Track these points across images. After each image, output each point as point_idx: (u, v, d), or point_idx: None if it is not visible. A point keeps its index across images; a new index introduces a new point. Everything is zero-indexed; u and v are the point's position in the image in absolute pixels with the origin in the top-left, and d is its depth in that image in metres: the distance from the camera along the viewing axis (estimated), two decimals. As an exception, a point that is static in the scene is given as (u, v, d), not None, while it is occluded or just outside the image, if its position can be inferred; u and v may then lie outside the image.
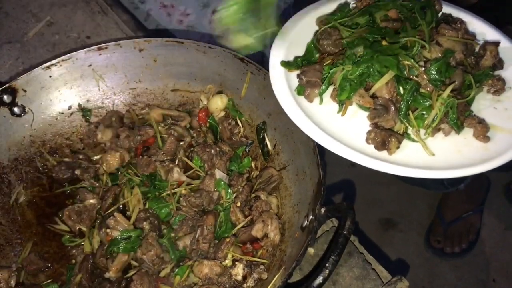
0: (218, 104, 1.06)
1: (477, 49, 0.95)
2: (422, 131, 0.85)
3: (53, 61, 1.04)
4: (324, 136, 0.82)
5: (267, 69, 0.93)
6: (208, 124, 1.06)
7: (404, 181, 1.93)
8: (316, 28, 0.99)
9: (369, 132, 0.84)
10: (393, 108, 0.84)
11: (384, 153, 0.82)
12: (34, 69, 1.03)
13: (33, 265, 0.93)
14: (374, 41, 0.88)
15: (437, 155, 0.83)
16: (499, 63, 0.94)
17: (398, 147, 0.83)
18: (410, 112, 0.85)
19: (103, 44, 1.06)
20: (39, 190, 1.03)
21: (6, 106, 1.01)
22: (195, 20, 1.52)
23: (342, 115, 0.88)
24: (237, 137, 1.04)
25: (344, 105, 0.88)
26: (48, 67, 1.04)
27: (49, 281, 0.92)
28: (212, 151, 0.98)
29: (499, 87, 0.90)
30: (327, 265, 0.68)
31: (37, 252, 0.95)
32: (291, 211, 0.91)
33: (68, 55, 1.05)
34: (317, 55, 0.94)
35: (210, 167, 0.97)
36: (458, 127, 0.85)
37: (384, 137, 0.82)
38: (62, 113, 1.09)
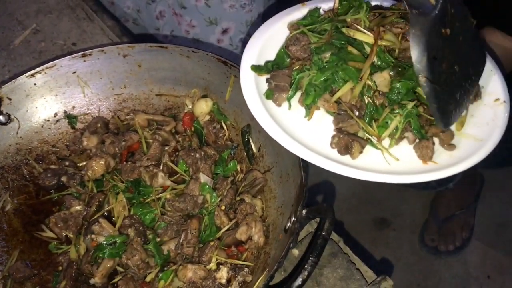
0: (203, 108, 1.06)
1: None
2: (387, 139, 0.86)
3: (38, 69, 1.05)
4: (288, 139, 0.83)
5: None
6: (193, 128, 1.06)
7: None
8: (288, 33, 1.00)
9: (333, 137, 0.85)
10: (357, 113, 0.85)
11: (348, 158, 0.83)
12: (19, 77, 1.03)
13: (19, 273, 0.93)
14: (341, 47, 0.89)
15: (402, 160, 0.84)
16: None
17: (361, 152, 0.83)
18: (373, 121, 0.86)
19: (87, 51, 1.06)
20: (26, 197, 1.03)
21: (-9, 114, 1.02)
22: (200, 34, 1.53)
23: (308, 119, 0.88)
24: (222, 141, 1.05)
25: (310, 110, 0.89)
26: (32, 74, 1.04)
27: (35, 288, 0.93)
28: (197, 155, 0.98)
29: (474, 92, 0.89)
30: (306, 266, 0.68)
31: (23, 260, 0.95)
32: (275, 213, 0.91)
33: (53, 62, 1.05)
34: (288, 60, 0.96)
35: (195, 171, 0.97)
36: (422, 136, 0.85)
37: (347, 142, 0.83)
38: (48, 120, 1.09)
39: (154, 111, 1.11)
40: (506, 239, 2.10)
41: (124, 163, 1.00)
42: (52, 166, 1.06)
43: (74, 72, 1.08)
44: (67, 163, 1.06)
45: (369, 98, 0.86)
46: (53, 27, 1.32)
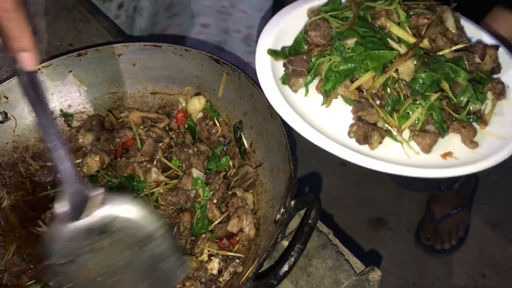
0: (196, 105, 1.08)
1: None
2: (407, 131, 0.85)
3: (34, 68, 1.07)
4: (304, 126, 0.82)
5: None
6: (186, 125, 1.08)
7: (398, 184, 1.95)
8: (307, 19, 0.99)
9: (351, 125, 0.83)
10: (378, 102, 0.84)
11: (366, 148, 0.82)
12: (15, 76, 1.05)
13: (16, 267, 0.95)
14: (364, 35, 0.88)
15: (421, 154, 0.83)
16: (497, 68, 0.94)
17: (380, 142, 0.82)
18: (394, 112, 0.84)
19: (82, 51, 1.09)
20: (22, 194, 1.05)
21: (-11, 113, 1.04)
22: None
23: (327, 106, 0.87)
24: (215, 137, 1.07)
25: (329, 97, 0.88)
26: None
27: (32, 282, 0.94)
28: (190, 151, 1.00)
29: (498, 90, 0.89)
30: (292, 253, 0.70)
31: (20, 254, 0.97)
32: (266, 206, 0.93)
33: (49, 62, 1.08)
34: (306, 47, 0.94)
35: (187, 166, 0.99)
36: (443, 130, 0.84)
37: (366, 131, 0.82)
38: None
39: (149, 109, 1.13)
40: (500, 238, 2.12)
41: (119, 159, 1.02)
42: (48, 163, 1.08)
43: (70, 71, 1.10)
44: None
45: (392, 88, 0.84)
46: (50, 28, 1.34)
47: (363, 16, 0.92)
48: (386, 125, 0.85)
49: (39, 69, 1.07)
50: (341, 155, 0.79)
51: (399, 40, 0.89)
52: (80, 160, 1.06)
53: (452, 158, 0.83)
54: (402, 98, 0.84)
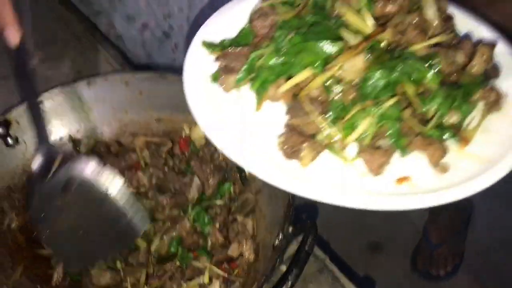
0: (199, 133, 1.13)
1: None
2: (355, 144, 0.68)
3: (44, 95, 1.12)
4: (219, 134, 0.69)
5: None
6: (189, 151, 1.13)
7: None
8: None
9: (279, 136, 0.68)
10: (318, 109, 0.68)
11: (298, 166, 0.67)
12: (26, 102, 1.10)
13: (23, 287, 0.98)
14: (315, 24, 0.72)
15: (371, 177, 0.66)
16: (493, 70, 0.75)
17: (313, 159, 0.66)
18: (339, 121, 0.68)
19: (91, 78, 1.14)
20: (30, 215, 1.09)
21: (0, 138, 1.09)
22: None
23: (257, 110, 0.72)
24: (217, 162, 1.11)
25: (261, 99, 0.73)
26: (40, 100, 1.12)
27: (38, 302, 0.98)
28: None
29: (491, 100, 0.70)
30: (289, 278, 0.74)
31: (27, 274, 1.01)
32: (265, 231, 0.97)
33: (59, 89, 1.13)
34: (252, 39, 0.79)
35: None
36: (401, 148, 0.67)
37: (294, 144, 0.66)
38: (54, 144, 1.16)
39: (153, 135, 1.18)
40: (494, 264, 2.14)
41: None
42: (56, 187, 1.12)
43: (79, 98, 1.15)
44: (69, 184, 1.12)
45: (336, 91, 0.68)
46: (59, 56, 1.40)
47: (320, 2, 0.76)
48: (328, 137, 0.68)
49: (50, 95, 1.12)
50: (255, 173, 0.66)
51: (357, 32, 0.71)
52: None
53: (408, 184, 0.65)
54: (349, 104, 0.68)
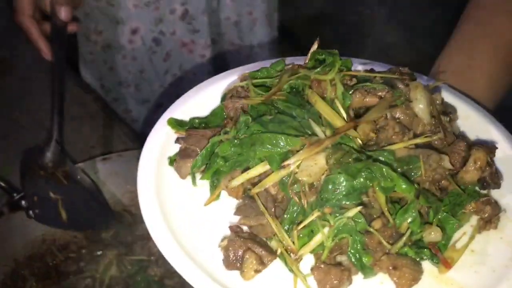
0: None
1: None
2: (310, 257, 0.59)
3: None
4: (161, 230, 0.61)
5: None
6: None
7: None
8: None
9: (222, 239, 0.60)
10: (272, 209, 0.59)
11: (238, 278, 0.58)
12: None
13: None
14: (282, 111, 0.66)
15: None
16: (492, 179, 0.64)
17: (256, 271, 0.57)
18: (294, 227, 0.59)
19: (107, 155, 1.27)
20: (49, 282, 1.18)
21: (23, 210, 1.20)
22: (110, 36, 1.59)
23: (206, 204, 0.65)
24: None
25: (214, 191, 0.66)
26: (58, 175, 1.24)
27: None
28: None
29: (485, 215, 0.61)
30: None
31: None
32: None
33: (79, 164, 1.25)
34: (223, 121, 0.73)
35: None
36: (364, 269, 0.57)
37: (236, 250, 0.57)
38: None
39: (161, 204, 1.29)
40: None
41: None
42: (71, 255, 1.22)
43: (95, 173, 1.27)
44: (83, 251, 1.22)
45: (293, 191, 0.59)
46: (75, 132, 1.53)
47: (296, 87, 0.69)
48: (282, 245, 0.59)
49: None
50: (191, 282, 0.58)
51: (328, 125, 0.64)
52: (100, 253, 1.22)
53: None
54: (309, 208, 0.59)
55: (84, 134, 1.53)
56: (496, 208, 0.62)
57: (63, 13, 1.04)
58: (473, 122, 0.72)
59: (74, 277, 1.18)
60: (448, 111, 0.72)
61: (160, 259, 1.13)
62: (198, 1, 1.50)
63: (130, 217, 1.26)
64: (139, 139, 1.48)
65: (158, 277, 1.10)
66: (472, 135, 0.73)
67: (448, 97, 0.75)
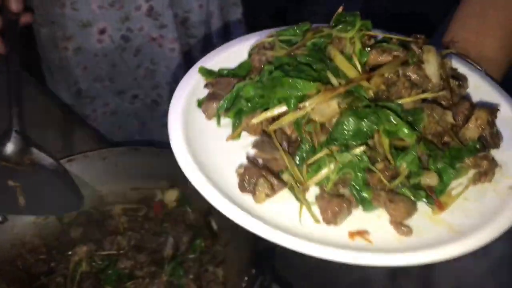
0: (170, 197, 1.28)
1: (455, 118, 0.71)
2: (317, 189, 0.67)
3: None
4: (189, 161, 0.70)
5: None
6: (163, 213, 1.27)
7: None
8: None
9: (239, 166, 0.69)
10: (285, 146, 0.68)
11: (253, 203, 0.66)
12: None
13: None
14: (304, 63, 0.72)
15: (324, 225, 0.64)
16: (492, 138, 0.69)
17: (267, 195, 0.65)
18: (304, 162, 0.67)
19: (72, 156, 1.29)
20: (20, 285, 1.19)
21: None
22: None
23: (227, 139, 0.73)
24: (189, 221, 1.25)
25: (235, 129, 0.74)
26: (25, 178, 1.24)
27: None
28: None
29: (482, 169, 0.67)
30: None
31: None
32: (234, 277, 1.09)
33: (41, 167, 1.26)
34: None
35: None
36: (363, 202, 0.64)
37: (251, 176, 0.65)
38: (38, 218, 1.28)
39: (129, 202, 1.31)
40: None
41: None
42: (41, 256, 1.23)
43: (61, 175, 1.28)
44: (54, 252, 1.23)
45: (306, 131, 0.68)
46: (39, 139, 1.54)
47: (318, 44, 0.76)
48: (292, 177, 0.67)
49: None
50: (213, 204, 0.66)
51: (343, 76, 0.71)
52: (70, 252, 1.23)
53: (362, 239, 0.62)
54: (319, 146, 0.66)
55: (48, 140, 1.53)
56: (493, 164, 0.68)
57: (13, 5, 1.02)
58: (483, 91, 0.78)
59: (45, 278, 1.19)
60: (458, 77, 0.77)
61: (130, 252, 1.15)
62: None
63: (98, 215, 1.28)
64: (102, 140, 1.50)
65: (128, 269, 1.12)
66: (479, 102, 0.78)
67: (460, 67, 0.81)
